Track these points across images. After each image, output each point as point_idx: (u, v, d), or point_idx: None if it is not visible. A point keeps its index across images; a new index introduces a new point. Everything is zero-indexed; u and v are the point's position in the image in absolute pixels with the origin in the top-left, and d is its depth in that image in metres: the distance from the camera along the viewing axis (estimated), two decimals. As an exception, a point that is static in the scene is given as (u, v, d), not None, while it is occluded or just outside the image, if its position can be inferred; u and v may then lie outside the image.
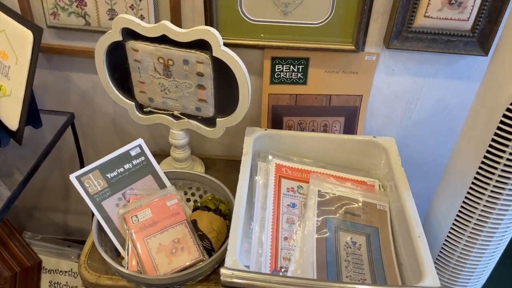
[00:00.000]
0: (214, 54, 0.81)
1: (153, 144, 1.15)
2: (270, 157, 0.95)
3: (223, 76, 0.85)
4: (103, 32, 0.93)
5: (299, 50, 0.92)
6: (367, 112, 1.02)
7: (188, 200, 0.95)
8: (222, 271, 0.65)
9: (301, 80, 0.97)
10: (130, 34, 0.85)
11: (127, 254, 0.80)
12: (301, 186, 0.92)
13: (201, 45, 0.82)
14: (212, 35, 0.79)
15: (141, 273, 0.77)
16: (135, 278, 0.74)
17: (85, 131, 1.14)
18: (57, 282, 1.15)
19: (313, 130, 1.02)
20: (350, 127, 1.02)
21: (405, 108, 1.02)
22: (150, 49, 0.85)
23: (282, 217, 0.86)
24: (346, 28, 0.89)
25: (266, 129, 0.96)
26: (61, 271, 1.16)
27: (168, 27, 0.81)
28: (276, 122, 1.01)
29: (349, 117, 1.01)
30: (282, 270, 0.79)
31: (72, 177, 0.81)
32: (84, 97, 1.07)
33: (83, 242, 1.36)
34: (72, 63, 1.02)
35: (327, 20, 0.88)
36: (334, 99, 0.99)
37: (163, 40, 0.83)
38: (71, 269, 1.16)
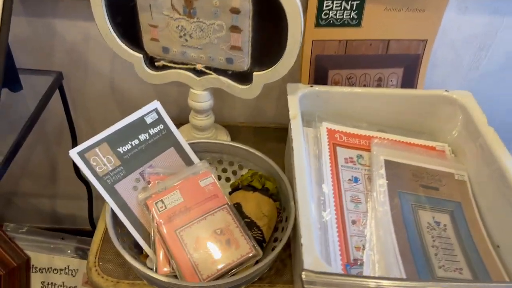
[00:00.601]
0: (258, -18, 0.60)
1: (162, 111, 0.94)
2: (318, 120, 0.76)
3: (265, 14, 0.65)
4: (98, -40, 0.70)
5: (355, -18, 0.72)
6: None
7: (219, 177, 0.76)
8: (305, 276, 0.47)
9: (354, 20, 0.77)
10: (139, -43, 0.62)
11: (154, 253, 0.60)
12: (361, 156, 0.74)
13: (239, -30, 0.61)
14: (258, -47, 0.58)
15: (176, 277, 0.58)
16: (170, 286, 0.55)
17: (75, 97, 0.92)
18: (51, 283, 0.95)
19: (364, 86, 0.84)
20: (409, 81, 0.84)
21: (474, 56, 0.84)
22: (168, -22, 0.63)
23: (345, 195, 0.68)
24: (418, -50, 0.69)
25: (312, 86, 0.77)
26: (55, 269, 0.95)
27: None
28: (319, 77, 0.82)
29: (408, 68, 0.83)
30: (358, 263, 0.62)
31: (73, 153, 0.60)
32: (73, 53, 0.84)
33: (76, 232, 1.16)
34: (55, 7, 0.78)
35: None
36: (392, 45, 0.80)
37: (185, -35, 0.62)
38: (68, 266, 0.96)
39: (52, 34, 0.82)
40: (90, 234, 0.78)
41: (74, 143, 0.89)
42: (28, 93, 0.77)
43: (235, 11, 0.64)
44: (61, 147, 0.99)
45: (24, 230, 0.95)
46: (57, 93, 0.84)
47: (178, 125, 0.89)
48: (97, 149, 0.62)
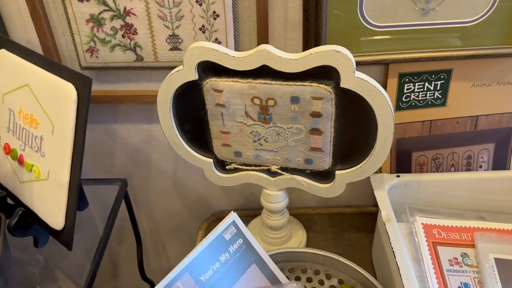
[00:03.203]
0: (342, 85, 0.54)
1: (226, 203, 0.88)
2: (410, 213, 0.68)
3: (349, 114, 0.59)
4: (161, 69, 0.67)
5: (438, 61, 0.65)
6: (522, 134, 0.75)
7: None
8: None
9: (438, 100, 0.70)
10: (210, 69, 0.58)
11: None
12: (466, 254, 0.65)
13: (319, 73, 0.55)
14: (344, 57, 0.52)
15: None
16: None
17: (137, 194, 0.87)
18: None
19: (452, 166, 0.75)
20: (501, 156, 0.75)
21: None
22: (241, 87, 0.58)
23: (459, 308, 0.59)
24: (511, 25, 0.62)
25: (398, 175, 0.69)
26: None
27: (272, 54, 0.54)
28: (402, 161, 0.75)
29: (500, 142, 0.74)
30: None
31: (155, 294, 0.54)
32: (135, 154, 0.81)
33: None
34: (116, 113, 0.75)
35: (486, 15, 0.61)
36: (481, 121, 0.72)
37: (259, 72, 0.57)
38: None
39: (113, 138, 0.78)
40: None
41: (139, 245, 0.84)
42: (94, 205, 0.73)
43: (317, 114, 0.58)
44: (123, 245, 0.95)
45: None
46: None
47: (246, 217, 0.83)
48: (179, 283, 0.56)
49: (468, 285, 0.62)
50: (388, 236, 0.59)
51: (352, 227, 0.81)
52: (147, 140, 0.78)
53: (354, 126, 0.60)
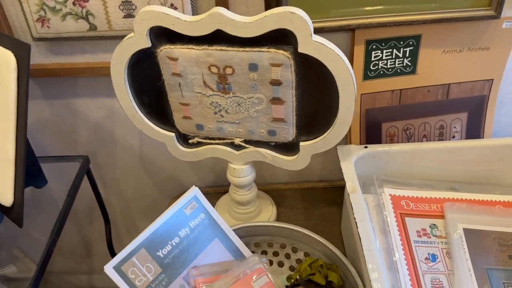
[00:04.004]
0: (300, 50, 0.52)
1: (198, 180, 0.86)
2: (378, 185, 0.66)
3: (310, 81, 0.56)
4: (117, 38, 0.64)
5: (407, 26, 0.63)
6: (495, 103, 0.72)
7: (270, 262, 0.67)
8: None
9: (408, 68, 0.67)
10: (162, 35, 0.55)
11: None
12: (434, 225, 0.64)
13: (276, 38, 0.52)
14: (299, 19, 0.49)
15: None
16: None
17: (104, 173, 0.85)
18: None
19: (424, 136, 0.73)
20: (474, 125, 0.73)
21: (548, 89, 0.73)
22: (197, 54, 0.55)
23: (424, 279, 0.58)
24: (481, -15, 0.59)
25: (366, 147, 0.67)
26: None
27: (226, 17, 0.51)
28: (371, 132, 0.72)
29: (473, 111, 0.72)
30: None
31: (109, 268, 0.52)
32: (98, 130, 0.78)
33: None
34: (75, 87, 0.72)
35: (454, -25, 0.58)
36: (453, 89, 0.70)
37: (215, 38, 0.54)
38: None
39: (74, 114, 0.75)
40: None
41: (107, 224, 0.82)
42: (55, 184, 0.71)
43: (276, 82, 0.56)
44: (94, 225, 0.93)
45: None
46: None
47: (216, 194, 0.81)
48: (134, 259, 0.54)
49: (436, 256, 0.60)
50: (352, 207, 0.58)
51: (324, 201, 0.79)
52: (109, 115, 0.75)
53: (316, 95, 0.57)
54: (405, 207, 0.65)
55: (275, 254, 0.66)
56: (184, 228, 0.58)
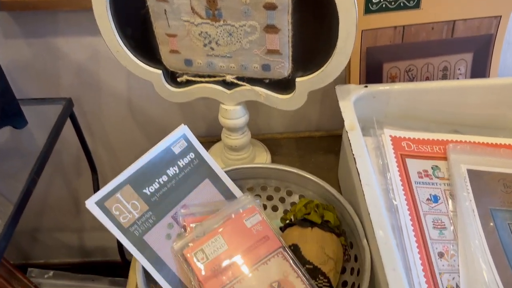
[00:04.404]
0: (297, -33, 0.47)
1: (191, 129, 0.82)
2: (378, 126, 0.63)
3: (308, 6, 0.52)
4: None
5: (412, -47, 0.58)
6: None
7: (264, 206, 0.64)
8: None
9: (412, 2, 0.63)
10: (146, -48, 0.50)
11: (200, 316, 0.49)
12: (437, 167, 0.61)
13: (271, -46, 0.48)
14: None
15: None
16: None
17: (91, 122, 0.81)
18: (86, 330, 0.86)
19: (427, 78, 0.69)
20: (480, 67, 0.69)
21: (559, 29, 0.69)
22: (184, -25, 0.51)
23: (426, 219, 0.55)
24: None
25: (366, 86, 0.63)
26: (88, 315, 0.86)
27: None
28: (372, 73, 0.68)
29: (479, 52, 0.68)
30: (454, 309, 0.49)
31: (91, 203, 0.49)
32: (82, 73, 0.74)
33: (108, 264, 1.07)
34: (56, 22, 0.67)
35: None
36: (459, 26, 0.65)
37: (204, -45, 0.49)
38: (102, 310, 0.86)
39: (55, 54, 0.71)
40: (122, 267, 0.68)
41: (94, 174, 0.79)
42: (36, 127, 0.67)
43: (271, 6, 0.51)
44: (82, 177, 0.89)
45: (50, 274, 0.86)
46: (69, 122, 0.73)
47: (209, 143, 0.77)
48: (118, 195, 0.51)
49: (438, 197, 0.57)
50: (350, 143, 0.54)
51: (321, 150, 0.76)
52: (93, 56, 0.71)
53: (313, 22, 0.53)
54: (406, 148, 0.61)
55: (269, 198, 0.63)
56: (173, 167, 0.55)
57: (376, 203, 0.47)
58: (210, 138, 0.79)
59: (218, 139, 0.78)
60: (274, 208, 0.64)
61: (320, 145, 0.77)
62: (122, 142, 0.83)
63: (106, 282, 0.88)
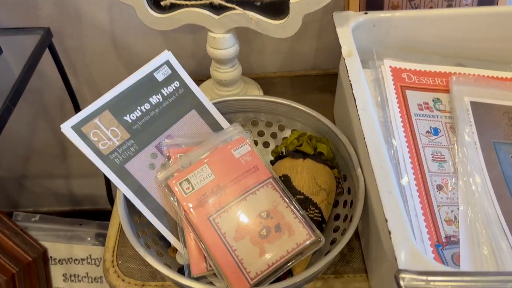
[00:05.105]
0: None
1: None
2: (377, 58, 0.59)
3: None
4: None
5: None
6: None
7: (255, 143, 0.60)
8: (404, 280, 0.32)
9: None
10: None
11: (185, 246, 0.47)
12: (438, 99, 0.57)
13: None
14: None
15: (216, 277, 0.45)
16: (209, 291, 0.42)
17: (72, 59, 0.76)
18: (74, 275, 0.85)
19: (430, 8, 0.65)
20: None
21: None
22: None
23: (425, 152, 0.52)
24: None
25: (366, 12, 0.59)
26: (76, 260, 0.85)
27: None
28: (372, 1, 0.64)
29: (488, -21, 0.63)
30: (452, 241, 0.47)
31: (66, 127, 0.46)
32: (61, 3, 0.68)
33: (98, 213, 1.05)
34: None
35: None
36: (468, -51, 0.60)
37: None
38: (89, 255, 0.85)
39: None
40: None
41: (78, 110, 0.75)
42: (12, 57, 0.63)
43: None
44: (66, 120, 0.85)
45: (36, 218, 0.84)
46: (50, 57, 0.69)
47: (198, 81, 0.73)
48: (97, 120, 0.47)
49: (438, 130, 0.54)
50: (347, 70, 0.50)
51: (316, 89, 0.72)
52: (72, -18, 0.66)
53: None
54: (407, 80, 0.58)
55: (260, 134, 0.60)
56: (156, 95, 0.51)
57: (373, 127, 0.44)
58: (199, 77, 0.75)
59: (209, 76, 0.74)
60: (266, 144, 0.60)
61: (315, 84, 0.73)
62: (105, 79, 0.79)
63: (94, 226, 0.86)
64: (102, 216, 0.97)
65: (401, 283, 0.32)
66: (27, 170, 0.97)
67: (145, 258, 0.42)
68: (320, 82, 0.73)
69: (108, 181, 0.88)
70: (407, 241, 0.35)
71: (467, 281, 0.32)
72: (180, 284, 0.40)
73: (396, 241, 0.35)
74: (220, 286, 0.44)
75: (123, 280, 0.49)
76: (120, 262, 0.51)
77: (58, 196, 1.03)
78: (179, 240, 0.48)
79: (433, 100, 0.57)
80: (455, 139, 0.53)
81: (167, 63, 0.53)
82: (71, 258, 0.84)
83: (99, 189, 1.00)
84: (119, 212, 0.46)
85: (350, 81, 0.49)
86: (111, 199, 0.93)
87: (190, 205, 0.47)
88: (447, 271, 0.34)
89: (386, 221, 0.36)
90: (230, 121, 0.57)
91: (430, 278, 0.32)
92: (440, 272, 0.33)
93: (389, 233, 0.35)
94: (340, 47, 0.54)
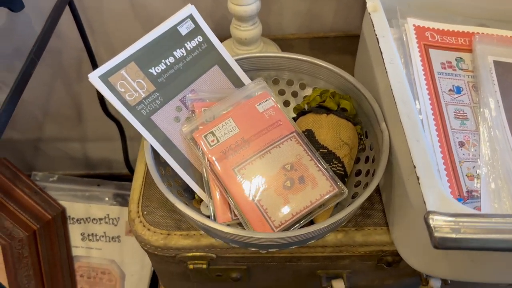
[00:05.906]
0: None
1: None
2: (400, 16, 0.58)
3: None
4: None
5: None
6: None
7: (275, 101, 0.61)
8: (433, 221, 0.33)
9: None
10: None
11: (210, 197, 0.48)
12: (461, 58, 0.57)
13: None
14: None
15: (241, 226, 0.46)
16: (237, 238, 0.43)
17: (91, 19, 0.76)
18: (92, 234, 0.87)
19: (455, -31, 0.64)
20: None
21: None
22: None
23: (447, 110, 0.52)
24: None
25: (391, -30, 0.58)
26: (94, 219, 0.86)
27: None
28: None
29: None
30: (473, 195, 0.47)
31: (94, 77, 0.46)
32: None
33: (114, 177, 1.06)
34: None
35: None
36: None
37: None
38: (107, 215, 0.86)
39: None
40: (129, 179, 0.67)
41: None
42: (33, 14, 0.62)
43: None
44: (84, 82, 0.86)
45: (54, 178, 0.85)
46: (70, 17, 0.68)
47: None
48: (123, 72, 0.48)
49: (461, 88, 0.54)
50: (373, 24, 0.50)
51: (335, 50, 0.72)
52: None
53: None
54: (430, 39, 0.57)
55: (281, 92, 0.60)
56: (180, 48, 0.51)
57: (400, 79, 0.44)
58: (218, 37, 0.75)
59: (227, 37, 0.74)
60: (286, 104, 0.61)
61: (335, 45, 0.72)
62: (123, 39, 0.79)
63: (112, 186, 0.87)
64: (118, 180, 0.98)
65: (431, 223, 0.33)
66: (42, 133, 0.98)
67: (175, 203, 0.43)
68: (340, 44, 0.72)
69: (125, 145, 0.89)
70: (435, 185, 0.36)
71: (495, 223, 0.33)
72: (210, 228, 0.42)
73: (424, 185, 0.36)
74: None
75: (149, 230, 0.51)
76: (145, 213, 0.52)
77: (73, 159, 1.04)
78: (204, 191, 0.49)
79: (456, 59, 0.57)
80: (477, 98, 0.54)
81: (191, 17, 0.53)
82: (89, 217, 0.86)
83: (115, 154, 1.01)
84: (147, 162, 0.47)
85: (376, 35, 0.49)
86: (128, 164, 0.94)
87: (215, 157, 0.47)
88: (475, 213, 0.35)
89: (415, 167, 0.37)
90: (252, 79, 0.57)
91: (458, 219, 0.33)
92: (469, 214, 0.34)
93: (418, 178, 0.36)
94: (361, 7, 0.53)
